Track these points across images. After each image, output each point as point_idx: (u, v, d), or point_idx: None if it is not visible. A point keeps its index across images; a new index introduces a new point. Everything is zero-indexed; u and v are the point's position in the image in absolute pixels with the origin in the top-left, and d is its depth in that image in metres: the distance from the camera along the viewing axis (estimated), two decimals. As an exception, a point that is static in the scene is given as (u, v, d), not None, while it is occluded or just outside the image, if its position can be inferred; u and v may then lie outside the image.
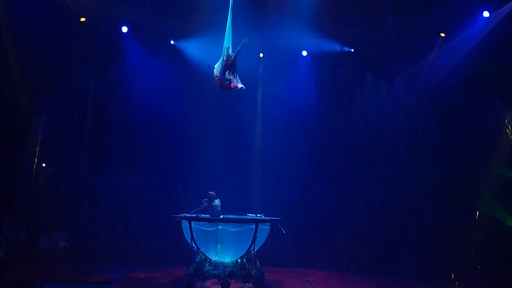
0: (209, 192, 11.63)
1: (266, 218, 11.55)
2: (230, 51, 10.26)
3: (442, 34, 14.89)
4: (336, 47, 16.03)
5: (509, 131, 13.70)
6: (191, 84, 15.94)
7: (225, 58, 10.22)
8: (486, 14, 14.24)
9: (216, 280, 11.02)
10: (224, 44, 10.31)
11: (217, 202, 11.54)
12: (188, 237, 11.35)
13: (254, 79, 16.40)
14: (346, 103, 15.95)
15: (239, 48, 10.13)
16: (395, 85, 14.97)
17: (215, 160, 15.90)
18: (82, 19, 14.76)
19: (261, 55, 16.59)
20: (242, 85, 10.33)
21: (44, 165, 14.42)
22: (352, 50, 16.19)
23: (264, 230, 11.41)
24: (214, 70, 10.38)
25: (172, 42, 16.10)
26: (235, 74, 10.30)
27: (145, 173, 15.55)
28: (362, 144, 15.58)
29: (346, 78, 15.88)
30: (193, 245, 11.18)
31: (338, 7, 14.87)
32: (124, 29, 15.43)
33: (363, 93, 15.41)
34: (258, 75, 16.70)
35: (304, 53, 16.56)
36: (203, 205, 11.48)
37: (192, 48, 15.86)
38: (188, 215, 11.38)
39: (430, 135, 14.63)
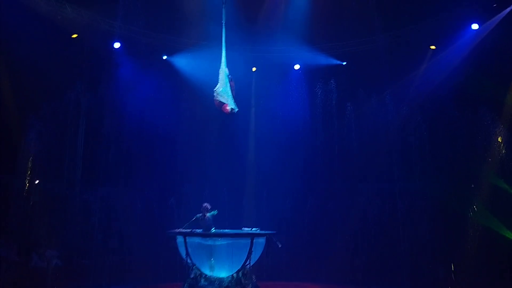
0: (204, 204, 11.52)
1: (261, 232, 11.43)
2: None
3: (432, 47, 15.02)
4: (328, 60, 16.09)
5: (500, 141, 13.74)
6: (183, 98, 15.91)
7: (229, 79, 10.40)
8: (475, 26, 14.38)
9: (211, 295, 10.89)
10: (223, 65, 10.49)
11: (209, 215, 11.42)
12: (183, 253, 11.20)
13: (247, 93, 16.37)
14: (339, 115, 15.89)
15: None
16: (387, 97, 15.17)
17: (208, 174, 15.82)
18: (74, 36, 14.69)
19: (253, 69, 16.55)
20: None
21: (36, 181, 14.19)
22: (344, 63, 16.26)
23: (260, 244, 11.27)
24: (218, 96, 10.45)
25: (164, 57, 16.06)
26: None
27: (138, 188, 15.40)
28: (356, 156, 15.56)
29: (338, 91, 15.79)
30: (188, 260, 11.02)
31: (329, 21, 14.98)
32: (117, 45, 15.33)
33: (356, 105, 15.54)
34: (251, 88, 16.70)
35: (297, 66, 16.61)
36: (195, 217, 11.37)
37: (185, 62, 15.86)
38: (183, 230, 11.26)
39: (423, 146, 14.66)
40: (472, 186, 13.73)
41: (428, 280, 13.17)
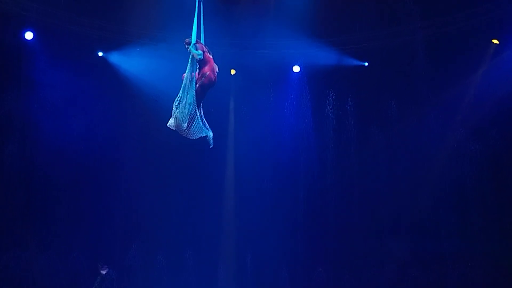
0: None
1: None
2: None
3: (495, 41, 11.73)
4: (343, 60, 13.07)
5: None
6: (129, 112, 12.93)
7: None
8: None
9: None
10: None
11: None
12: None
13: (224, 105, 13.15)
14: (359, 141, 12.88)
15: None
16: (429, 115, 12.13)
17: (165, 229, 12.70)
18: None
19: (232, 71, 13.19)
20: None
21: None
22: (366, 64, 13.13)
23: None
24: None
25: (100, 53, 13.20)
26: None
27: (60, 250, 12.37)
28: (382, 202, 12.49)
29: (357, 105, 12.85)
30: None
31: (344, 5, 12.14)
32: (29, 35, 12.36)
33: (382, 127, 12.53)
34: (229, 100, 13.52)
35: (296, 68, 13.29)
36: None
37: (129, 61, 12.98)
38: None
39: (483, 187, 11.70)
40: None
41: None
